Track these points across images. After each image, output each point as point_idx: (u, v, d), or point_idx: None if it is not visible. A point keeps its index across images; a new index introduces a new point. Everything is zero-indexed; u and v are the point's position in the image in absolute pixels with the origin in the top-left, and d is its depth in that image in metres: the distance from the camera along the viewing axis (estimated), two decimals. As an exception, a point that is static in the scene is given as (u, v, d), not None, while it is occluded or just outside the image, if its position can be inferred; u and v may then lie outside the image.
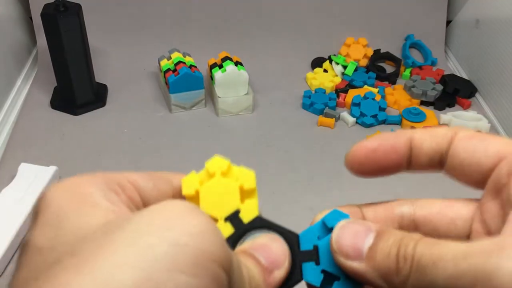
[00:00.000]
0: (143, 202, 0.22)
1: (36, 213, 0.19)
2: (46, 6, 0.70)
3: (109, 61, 0.88)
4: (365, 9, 0.97)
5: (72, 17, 0.69)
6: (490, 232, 0.22)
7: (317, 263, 0.23)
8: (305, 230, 0.24)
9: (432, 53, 0.94)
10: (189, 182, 0.25)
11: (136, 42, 0.92)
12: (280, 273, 0.22)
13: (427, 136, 0.24)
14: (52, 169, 0.64)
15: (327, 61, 0.90)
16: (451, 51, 0.99)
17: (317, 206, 0.63)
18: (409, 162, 0.25)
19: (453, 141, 0.23)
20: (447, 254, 0.19)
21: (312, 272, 0.23)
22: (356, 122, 0.78)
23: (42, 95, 0.80)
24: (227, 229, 0.24)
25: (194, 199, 0.24)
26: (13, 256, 0.55)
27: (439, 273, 0.19)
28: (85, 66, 0.75)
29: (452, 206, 0.25)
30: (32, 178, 0.62)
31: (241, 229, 0.24)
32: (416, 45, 0.96)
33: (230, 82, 0.75)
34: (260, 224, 0.24)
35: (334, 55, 0.91)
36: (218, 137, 0.75)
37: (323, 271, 0.23)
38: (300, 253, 0.23)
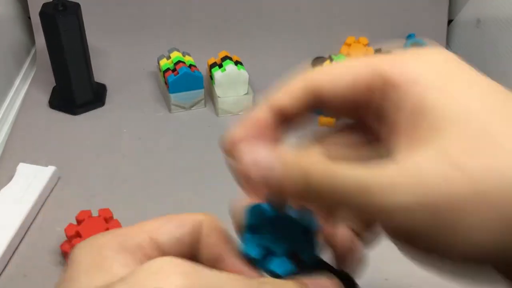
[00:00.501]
0: (162, 254, 0.23)
1: (64, 271, 0.22)
2: (45, 5, 0.70)
3: (108, 61, 0.88)
4: (366, 9, 0.96)
5: (71, 17, 0.69)
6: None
7: (259, 237, 0.25)
8: (252, 205, 0.25)
9: (433, 52, 0.94)
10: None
11: (136, 41, 0.91)
12: None
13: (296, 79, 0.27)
14: (50, 169, 0.63)
15: (328, 61, 0.89)
16: (452, 50, 0.98)
17: (317, 207, 0.62)
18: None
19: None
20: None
21: (252, 244, 0.24)
22: (357, 122, 0.77)
23: (40, 95, 0.80)
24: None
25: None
26: (11, 256, 0.55)
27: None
28: (84, 65, 0.74)
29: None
30: (30, 178, 0.62)
31: (302, 267, 0.24)
32: (417, 44, 0.96)
33: (230, 82, 0.75)
34: (319, 264, 0.25)
35: (335, 54, 0.91)
36: (218, 137, 0.74)
37: (264, 247, 0.24)
38: None
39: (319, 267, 0.25)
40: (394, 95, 0.22)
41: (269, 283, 0.22)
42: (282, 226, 0.25)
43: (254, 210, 0.25)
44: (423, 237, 0.19)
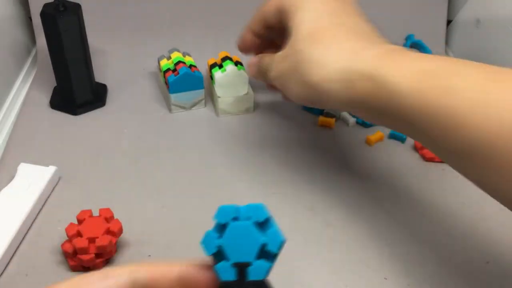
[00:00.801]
0: None
1: None
2: (46, 5, 0.70)
3: (108, 61, 0.88)
4: (365, 9, 0.96)
5: (72, 17, 0.69)
6: None
7: (228, 260, 0.25)
8: (204, 237, 0.25)
9: (432, 53, 0.94)
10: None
11: (136, 42, 0.92)
12: None
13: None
14: (51, 169, 0.64)
15: (327, 61, 0.89)
16: (451, 51, 0.99)
17: (317, 206, 0.63)
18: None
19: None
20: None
21: (225, 270, 0.25)
22: (357, 122, 0.77)
23: (41, 95, 0.80)
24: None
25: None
26: (12, 256, 0.55)
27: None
28: (84, 66, 0.75)
29: None
30: (31, 178, 0.62)
31: (240, 284, 0.25)
32: (416, 45, 0.96)
33: (230, 82, 0.75)
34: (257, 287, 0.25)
35: (334, 55, 0.91)
36: (218, 137, 0.74)
37: (235, 264, 0.25)
38: None
39: None
40: (285, 18, 0.51)
41: None
42: (238, 235, 0.25)
43: (207, 239, 0.25)
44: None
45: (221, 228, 0.26)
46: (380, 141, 0.75)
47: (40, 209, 0.61)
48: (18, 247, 0.56)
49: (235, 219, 0.26)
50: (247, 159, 0.70)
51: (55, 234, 0.57)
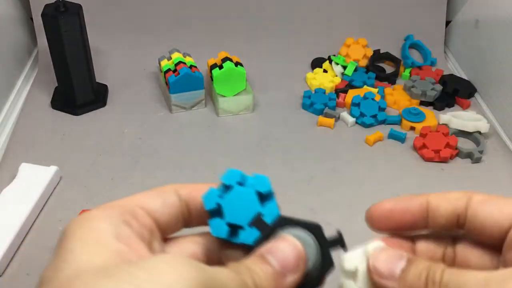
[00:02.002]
0: (155, 223, 0.24)
1: (57, 244, 0.22)
2: (47, 6, 0.70)
3: (109, 61, 0.88)
4: (365, 10, 0.97)
5: (73, 18, 0.70)
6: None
7: (222, 218, 0.26)
8: (207, 192, 0.26)
9: (431, 53, 0.94)
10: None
11: (137, 42, 0.92)
12: (293, 277, 0.24)
13: (443, 201, 0.27)
14: (52, 169, 0.64)
15: (327, 61, 0.90)
16: (450, 51, 0.99)
17: (317, 206, 0.63)
18: (426, 223, 0.28)
19: (469, 205, 0.26)
20: (471, 280, 0.23)
21: (218, 226, 0.26)
22: (356, 122, 0.78)
23: (42, 96, 0.80)
24: (254, 234, 0.26)
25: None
26: (13, 256, 0.55)
27: None
28: (85, 66, 0.75)
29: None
30: (32, 178, 0.62)
31: (266, 231, 0.26)
32: (415, 46, 0.96)
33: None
34: (283, 222, 0.26)
35: (334, 55, 0.91)
36: (218, 137, 0.75)
37: (228, 224, 0.26)
38: (326, 242, 0.26)
39: (285, 224, 0.26)
40: None
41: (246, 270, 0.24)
42: (239, 199, 0.26)
43: (209, 195, 0.26)
44: None
45: (225, 188, 0.27)
46: (379, 141, 0.75)
47: (41, 209, 0.61)
48: (19, 246, 0.57)
49: (240, 184, 0.27)
50: (247, 159, 0.71)
51: (56, 234, 0.57)
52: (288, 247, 0.25)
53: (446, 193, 0.28)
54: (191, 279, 0.19)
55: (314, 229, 0.26)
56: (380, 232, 0.28)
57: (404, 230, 0.28)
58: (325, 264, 0.25)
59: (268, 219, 0.26)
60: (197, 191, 0.27)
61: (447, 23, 0.99)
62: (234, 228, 0.26)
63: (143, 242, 0.23)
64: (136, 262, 0.20)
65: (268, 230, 0.26)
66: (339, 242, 0.26)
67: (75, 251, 0.21)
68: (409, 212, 0.27)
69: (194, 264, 0.20)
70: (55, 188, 0.64)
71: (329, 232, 0.27)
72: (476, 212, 0.26)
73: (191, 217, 0.27)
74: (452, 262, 0.28)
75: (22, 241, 0.57)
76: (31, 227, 0.59)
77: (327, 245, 0.26)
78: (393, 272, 0.25)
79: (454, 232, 0.28)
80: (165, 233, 0.26)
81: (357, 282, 0.26)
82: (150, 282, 0.19)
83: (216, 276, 0.21)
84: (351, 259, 0.27)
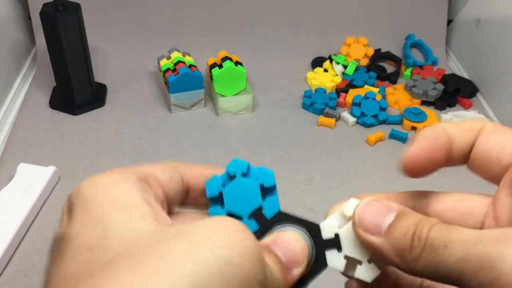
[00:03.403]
0: (165, 195, 0.24)
1: (72, 207, 0.20)
2: (45, 5, 0.70)
3: (108, 61, 0.88)
4: (366, 9, 0.96)
5: (71, 17, 0.69)
6: (502, 227, 0.23)
7: (340, 250, 0.25)
8: (210, 179, 0.26)
9: (433, 52, 0.94)
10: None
11: (136, 42, 0.91)
12: (298, 271, 0.23)
13: (459, 131, 0.24)
14: (51, 169, 0.63)
15: (328, 61, 0.89)
16: (452, 50, 0.99)
17: (317, 206, 0.63)
18: (450, 159, 0.25)
19: (479, 134, 0.24)
20: (458, 239, 0.20)
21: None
22: (357, 122, 0.77)
23: (41, 95, 0.80)
24: (252, 226, 0.26)
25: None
26: (12, 256, 0.55)
27: (448, 255, 0.20)
28: (84, 66, 0.75)
29: (464, 201, 0.25)
30: (31, 178, 0.62)
31: (265, 225, 0.26)
32: (416, 45, 0.96)
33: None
34: (282, 218, 0.26)
35: (335, 54, 0.91)
36: (218, 137, 0.74)
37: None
38: (322, 242, 0.25)
39: (284, 220, 0.26)
40: None
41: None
42: (241, 190, 0.26)
43: (212, 183, 0.26)
44: None
45: (229, 178, 0.26)
46: (380, 141, 0.74)
47: (40, 209, 0.61)
48: (17, 247, 0.56)
49: (244, 175, 0.27)
50: (247, 159, 0.70)
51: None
52: (293, 241, 0.24)
53: (462, 123, 0.25)
54: (256, 244, 0.19)
55: (311, 228, 0.26)
56: (412, 177, 0.26)
57: (433, 170, 0.26)
58: (318, 265, 0.25)
59: (268, 213, 0.26)
60: (199, 175, 0.26)
61: (449, 22, 0.98)
62: (233, 218, 0.26)
63: (163, 210, 0.22)
64: (193, 224, 0.19)
65: (267, 223, 0.26)
66: (335, 244, 0.25)
67: (112, 218, 0.19)
68: (439, 148, 0.25)
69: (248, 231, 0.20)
70: (53, 188, 0.64)
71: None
72: (480, 143, 0.24)
73: (188, 198, 0.26)
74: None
75: (21, 241, 0.57)
76: (29, 228, 0.59)
77: (323, 246, 0.25)
78: (380, 226, 0.22)
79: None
80: (170, 207, 0.25)
81: (341, 251, 0.25)
82: (224, 241, 0.18)
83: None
84: (329, 227, 0.25)
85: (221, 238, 0.18)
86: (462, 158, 0.25)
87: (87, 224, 0.19)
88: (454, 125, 0.25)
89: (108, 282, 0.16)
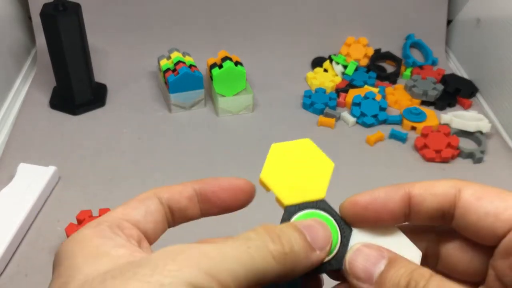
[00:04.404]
0: (142, 232, 0.25)
1: (54, 268, 0.22)
2: (45, 5, 0.70)
3: (108, 61, 0.88)
4: (366, 9, 0.96)
5: (72, 17, 0.69)
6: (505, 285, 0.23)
7: None
8: None
9: (432, 52, 0.94)
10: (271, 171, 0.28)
11: (136, 42, 0.91)
12: (320, 254, 0.24)
13: (428, 195, 0.25)
14: (51, 169, 0.63)
15: (328, 61, 0.89)
16: (452, 50, 0.99)
17: (317, 207, 0.63)
18: (408, 218, 0.25)
19: (459, 201, 0.24)
20: None
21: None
22: (357, 122, 0.77)
23: (41, 95, 0.80)
24: (294, 199, 0.26)
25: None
26: (12, 256, 0.55)
27: None
28: (84, 66, 0.75)
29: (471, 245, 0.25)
30: (31, 178, 0.62)
31: (304, 205, 0.26)
32: (416, 45, 0.96)
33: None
34: (322, 206, 0.26)
35: (335, 54, 0.91)
36: (218, 137, 0.74)
37: None
38: (346, 245, 0.25)
39: (321, 208, 0.26)
40: None
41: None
42: None
43: None
44: None
45: None
46: (380, 141, 0.74)
47: (40, 209, 0.61)
48: (17, 247, 0.56)
49: None
50: (247, 159, 0.70)
51: (54, 234, 0.57)
52: (319, 225, 0.25)
53: (432, 184, 0.25)
54: (197, 264, 0.20)
55: (344, 228, 0.26)
56: (356, 227, 0.26)
57: (382, 223, 0.26)
58: (336, 260, 0.25)
59: None
60: (178, 193, 0.27)
61: (449, 22, 0.98)
62: None
63: (139, 248, 0.24)
64: (139, 259, 0.20)
65: (304, 206, 0.26)
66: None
67: (79, 266, 0.21)
68: (387, 209, 0.25)
69: (198, 247, 0.21)
70: (53, 188, 0.64)
71: None
72: (467, 210, 0.24)
73: (174, 218, 0.27)
74: (435, 258, 0.26)
75: (21, 241, 0.57)
76: (29, 228, 0.59)
77: (347, 239, 0.25)
78: (371, 274, 0.23)
79: (439, 227, 0.26)
80: (152, 238, 0.26)
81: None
82: (155, 274, 0.19)
83: (224, 251, 0.21)
84: None
85: (176, 263, 0.19)
86: (430, 220, 0.25)
87: (58, 277, 0.21)
88: (422, 187, 0.25)
89: None
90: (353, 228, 0.26)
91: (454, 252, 0.26)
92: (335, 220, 0.26)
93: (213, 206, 0.28)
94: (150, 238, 0.26)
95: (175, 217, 0.27)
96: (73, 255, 0.22)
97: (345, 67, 0.87)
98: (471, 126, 0.74)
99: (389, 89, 0.84)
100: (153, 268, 0.19)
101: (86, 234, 0.23)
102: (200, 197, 0.28)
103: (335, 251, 0.25)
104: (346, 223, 0.26)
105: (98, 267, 0.20)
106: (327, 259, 0.25)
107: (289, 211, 0.26)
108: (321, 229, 0.25)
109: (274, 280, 0.22)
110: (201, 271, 0.19)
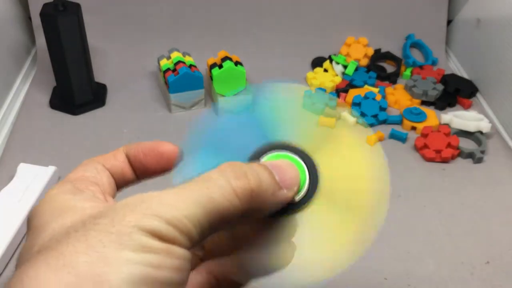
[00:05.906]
0: (102, 186, 0.27)
1: (26, 231, 0.23)
2: (45, 5, 0.70)
3: (108, 61, 0.88)
4: (366, 9, 0.96)
5: (71, 17, 0.69)
6: None
7: None
8: None
9: (432, 52, 0.94)
10: None
11: (136, 42, 0.91)
12: (288, 193, 0.25)
13: None
14: (51, 169, 0.63)
15: (328, 61, 0.89)
16: (452, 50, 0.99)
17: (317, 207, 0.63)
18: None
19: None
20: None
21: None
22: (357, 122, 0.77)
23: (41, 95, 0.80)
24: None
25: None
26: (12, 255, 0.55)
27: None
28: (84, 66, 0.75)
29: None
30: (31, 178, 0.62)
31: (274, 145, 0.27)
32: (416, 45, 0.96)
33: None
34: (294, 149, 0.27)
35: (335, 54, 0.91)
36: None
37: None
38: (316, 179, 0.26)
39: (282, 148, 0.27)
40: None
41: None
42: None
43: None
44: None
45: None
46: (380, 141, 0.74)
47: (40, 209, 0.61)
48: (17, 247, 0.56)
49: None
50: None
51: (54, 234, 0.57)
52: (288, 166, 0.25)
53: None
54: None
55: (308, 161, 0.26)
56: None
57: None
58: (307, 197, 0.26)
59: None
60: (113, 158, 0.29)
61: (449, 22, 0.98)
62: None
63: (105, 199, 0.25)
64: (101, 210, 0.21)
65: (267, 148, 0.27)
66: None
67: (47, 223, 0.22)
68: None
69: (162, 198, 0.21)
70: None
71: None
72: None
73: (116, 182, 0.29)
74: None
75: (21, 241, 0.57)
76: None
77: (316, 181, 0.26)
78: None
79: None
80: (112, 195, 0.27)
81: None
82: (116, 225, 0.19)
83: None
84: None
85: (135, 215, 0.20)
86: None
87: (28, 237, 0.22)
88: None
89: (24, 275, 0.18)
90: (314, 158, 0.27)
91: None
92: (305, 163, 0.26)
93: (142, 170, 0.30)
94: (111, 194, 0.27)
95: (116, 180, 0.29)
96: (42, 214, 0.23)
97: (345, 67, 0.87)
98: (471, 126, 0.74)
99: (389, 89, 0.84)
100: (113, 219, 0.19)
101: (52, 194, 0.24)
102: (130, 161, 0.29)
103: (302, 193, 0.25)
104: (315, 168, 0.26)
105: (64, 221, 0.21)
106: (293, 201, 0.25)
107: (258, 151, 0.27)
108: (290, 170, 0.25)
109: (240, 219, 0.22)
110: (161, 220, 0.20)
